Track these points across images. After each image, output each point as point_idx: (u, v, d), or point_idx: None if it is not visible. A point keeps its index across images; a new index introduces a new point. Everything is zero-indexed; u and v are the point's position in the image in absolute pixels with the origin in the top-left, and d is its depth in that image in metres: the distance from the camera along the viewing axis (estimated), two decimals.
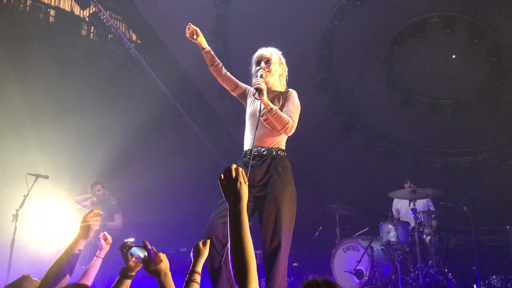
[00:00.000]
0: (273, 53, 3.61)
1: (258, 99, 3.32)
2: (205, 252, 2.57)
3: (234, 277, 1.73)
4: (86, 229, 2.73)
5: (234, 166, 1.86)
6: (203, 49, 3.70)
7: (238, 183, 1.83)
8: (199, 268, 2.44)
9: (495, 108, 8.52)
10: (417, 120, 9.15)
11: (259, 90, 3.29)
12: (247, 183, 1.86)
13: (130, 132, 7.92)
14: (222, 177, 1.86)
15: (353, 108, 9.56)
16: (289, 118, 3.35)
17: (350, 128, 9.45)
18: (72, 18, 9.05)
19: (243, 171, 1.86)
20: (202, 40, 3.68)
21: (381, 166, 9.34)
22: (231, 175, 1.84)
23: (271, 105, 3.34)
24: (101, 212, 2.89)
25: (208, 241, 2.60)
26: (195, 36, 3.66)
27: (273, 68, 3.56)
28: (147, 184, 8.03)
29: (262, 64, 3.57)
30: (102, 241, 3.04)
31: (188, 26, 3.66)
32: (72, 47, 8.10)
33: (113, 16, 9.24)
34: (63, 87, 7.53)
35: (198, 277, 2.38)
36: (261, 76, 3.42)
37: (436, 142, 9.40)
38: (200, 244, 2.54)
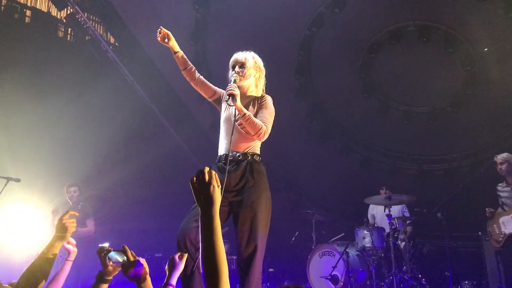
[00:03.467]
0: (247, 57, 3.57)
1: (231, 105, 3.29)
2: (181, 266, 2.50)
3: (205, 284, 1.67)
4: (62, 230, 2.67)
5: (207, 169, 1.78)
6: (175, 53, 3.64)
7: (211, 187, 1.75)
8: (174, 281, 2.37)
9: (469, 116, 8.68)
10: (393, 127, 9.27)
11: (232, 96, 3.25)
12: (220, 186, 1.79)
13: (107, 136, 7.82)
14: (195, 180, 1.77)
15: (331, 114, 9.63)
16: (262, 124, 3.33)
17: (327, 134, 9.51)
18: (49, 19, 8.92)
19: (216, 174, 1.79)
20: (174, 44, 3.62)
21: (358, 172, 9.41)
22: (204, 179, 1.76)
23: (245, 110, 3.32)
24: (76, 214, 2.82)
25: (185, 255, 2.54)
26: (166, 40, 3.60)
27: (248, 72, 3.52)
28: (122, 188, 7.94)
29: (237, 68, 3.54)
30: (68, 246, 2.97)
31: (159, 29, 3.59)
32: (48, 48, 7.98)
33: (91, 17, 9.14)
34: (38, 89, 7.40)
35: None
36: (235, 81, 3.39)
37: (411, 149, 9.52)
38: (176, 257, 2.46)
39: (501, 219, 5.97)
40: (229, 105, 3.31)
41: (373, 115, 9.15)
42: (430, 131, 9.06)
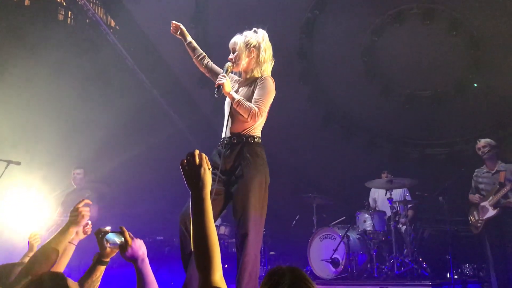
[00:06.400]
0: (237, 40, 3.56)
1: (217, 96, 3.35)
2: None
3: (196, 267, 1.67)
4: (78, 217, 2.75)
5: (197, 151, 1.76)
6: (186, 42, 3.80)
7: (202, 169, 1.73)
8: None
9: (472, 100, 8.61)
10: (395, 111, 9.20)
11: (218, 87, 3.32)
12: (210, 169, 1.77)
13: (107, 120, 7.80)
14: (185, 163, 1.76)
15: (333, 98, 9.57)
16: (252, 105, 3.32)
17: (329, 118, 9.46)
18: (49, 2, 8.85)
19: (206, 157, 1.77)
20: (185, 35, 3.79)
21: (359, 156, 9.38)
22: (195, 161, 1.74)
23: (234, 95, 3.36)
24: (90, 202, 2.89)
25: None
26: (178, 32, 3.78)
27: (238, 55, 3.52)
28: (124, 172, 7.94)
29: (230, 55, 3.58)
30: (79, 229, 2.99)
31: (172, 23, 3.77)
32: (48, 31, 7.91)
33: (91, 0, 9.06)
34: (38, 72, 7.36)
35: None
36: (226, 71, 3.47)
37: (413, 133, 9.47)
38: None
39: (480, 205, 6.13)
40: (216, 96, 3.35)
41: (375, 99, 9.08)
42: (433, 115, 9.00)
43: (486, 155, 6.18)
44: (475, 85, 8.55)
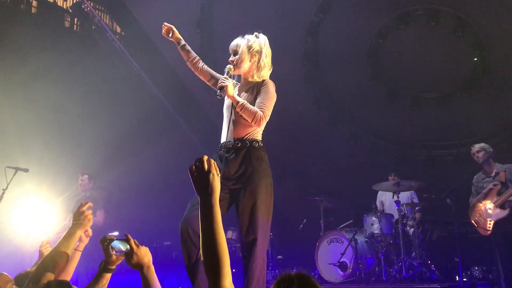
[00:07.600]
0: (239, 43, 3.50)
1: (220, 98, 3.31)
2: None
3: (206, 273, 1.66)
4: (84, 220, 2.78)
5: (205, 157, 1.76)
6: (179, 45, 3.74)
7: (211, 175, 1.73)
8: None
9: (479, 101, 8.58)
10: (402, 113, 9.18)
11: (221, 89, 3.27)
12: (219, 175, 1.77)
13: (114, 126, 7.83)
14: (193, 169, 1.76)
15: (338, 100, 9.56)
16: (257, 109, 3.28)
17: (335, 121, 9.45)
18: (55, 9, 8.92)
19: (215, 163, 1.77)
20: (177, 37, 3.73)
21: (366, 159, 9.36)
22: (203, 167, 1.74)
23: (238, 98, 3.30)
24: (91, 204, 2.89)
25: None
26: (170, 34, 3.72)
27: (240, 58, 3.46)
28: (131, 177, 7.97)
29: (231, 57, 3.52)
30: (82, 235, 2.99)
31: (163, 25, 3.71)
32: (55, 38, 7.97)
33: (97, 7, 9.14)
34: (45, 79, 7.40)
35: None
36: (228, 73, 3.40)
37: (420, 135, 9.44)
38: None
39: (483, 208, 6.02)
40: (219, 97, 3.31)
41: (381, 101, 9.07)
42: (439, 116, 8.97)
43: (482, 159, 6.09)
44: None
